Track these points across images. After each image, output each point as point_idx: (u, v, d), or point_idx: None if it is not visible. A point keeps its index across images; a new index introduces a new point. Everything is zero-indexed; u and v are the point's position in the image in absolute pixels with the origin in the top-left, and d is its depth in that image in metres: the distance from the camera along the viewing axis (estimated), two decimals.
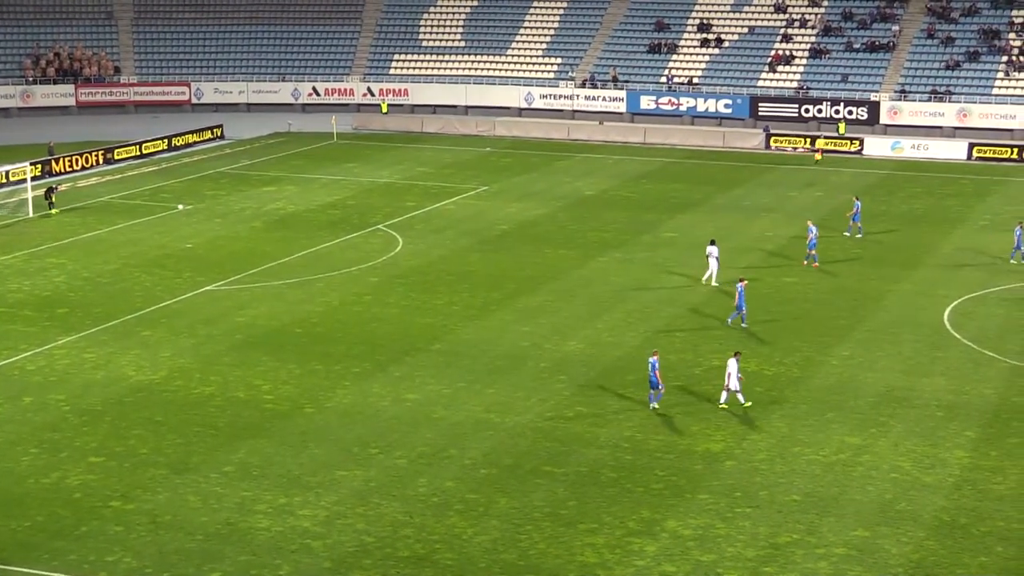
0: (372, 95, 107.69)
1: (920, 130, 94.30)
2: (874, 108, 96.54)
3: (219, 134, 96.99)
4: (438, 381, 45.64)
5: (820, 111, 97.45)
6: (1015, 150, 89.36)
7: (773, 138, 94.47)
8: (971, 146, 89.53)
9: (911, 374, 46.05)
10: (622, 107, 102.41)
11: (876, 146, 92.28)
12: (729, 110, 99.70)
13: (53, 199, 72.39)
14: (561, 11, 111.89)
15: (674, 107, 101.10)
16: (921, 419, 42.00)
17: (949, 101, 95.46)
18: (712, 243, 58.56)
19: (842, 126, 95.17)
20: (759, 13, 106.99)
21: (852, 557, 33.08)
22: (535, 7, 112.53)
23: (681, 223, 70.05)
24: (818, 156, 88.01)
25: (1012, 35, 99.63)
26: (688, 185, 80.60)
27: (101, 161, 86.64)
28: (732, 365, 42.77)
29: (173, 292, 56.75)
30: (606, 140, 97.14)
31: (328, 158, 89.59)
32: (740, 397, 42.98)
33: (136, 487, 37.17)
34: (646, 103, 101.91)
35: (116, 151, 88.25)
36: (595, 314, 53.58)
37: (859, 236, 66.05)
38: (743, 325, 51.23)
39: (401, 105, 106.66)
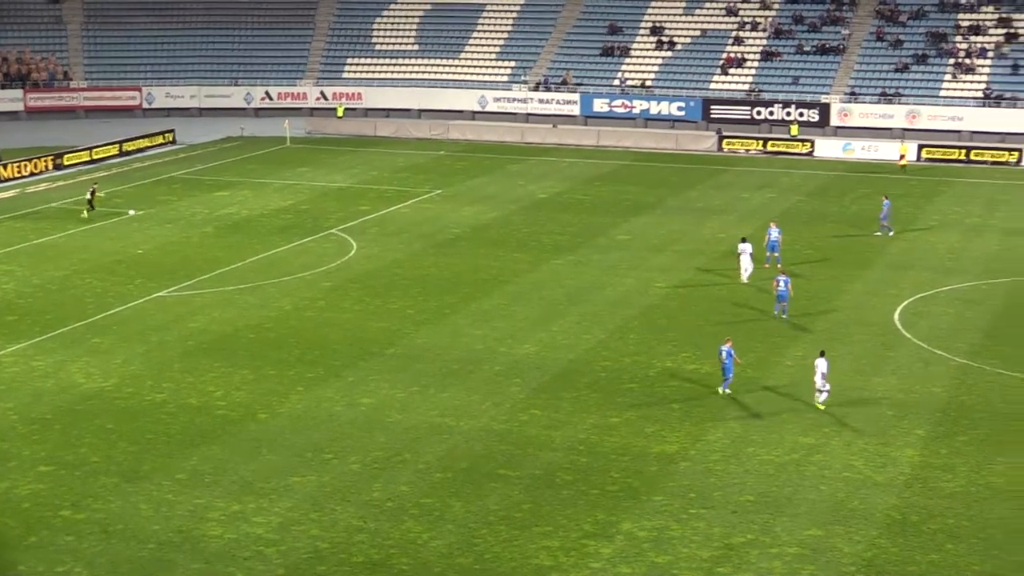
0: (325, 99, 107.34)
1: (870, 132, 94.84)
2: (825, 110, 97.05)
3: (171, 139, 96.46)
4: (392, 385, 45.47)
5: (772, 113, 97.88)
6: (963, 151, 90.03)
7: (725, 140, 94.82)
8: (920, 147, 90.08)
9: (863, 373, 46.24)
10: (575, 110, 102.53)
11: (827, 148, 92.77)
12: (682, 112, 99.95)
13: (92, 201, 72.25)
14: (514, 15, 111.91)
15: (627, 110, 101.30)
16: (873, 418, 42.17)
17: (898, 103, 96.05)
18: (744, 240, 58.80)
19: (794, 128, 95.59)
20: (711, 16, 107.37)
21: (806, 556, 33.16)
22: (488, 11, 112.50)
23: (634, 226, 70.15)
24: (903, 163, 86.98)
25: (959, 38, 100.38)
26: (641, 187, 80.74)
27: (51, 167, 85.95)
28: (821, 364, 42.65)
29: (124, 298, 56.32)
30: (560, 143, 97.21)
31: (281, 162, 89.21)
32: (821, 397, 42.85)
33: (87, 496, 36.82)
34: (599, 106, 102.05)
35: (66, 156, 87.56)
36: (549, 317, 53.55)
37: (890, 234, 66.76)
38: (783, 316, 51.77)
39: (355, 109, 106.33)
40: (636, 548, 33.65)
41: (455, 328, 52.11)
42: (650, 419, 42.27)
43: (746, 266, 57.94)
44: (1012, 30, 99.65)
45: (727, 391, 44.35)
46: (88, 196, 72.36)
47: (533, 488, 37.20)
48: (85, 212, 71.66)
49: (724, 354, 44.17)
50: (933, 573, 32.32)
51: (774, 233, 60.68)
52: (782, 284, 52.80)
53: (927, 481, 37.50)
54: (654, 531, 34.53)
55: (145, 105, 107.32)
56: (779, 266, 58.15)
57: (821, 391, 42.73)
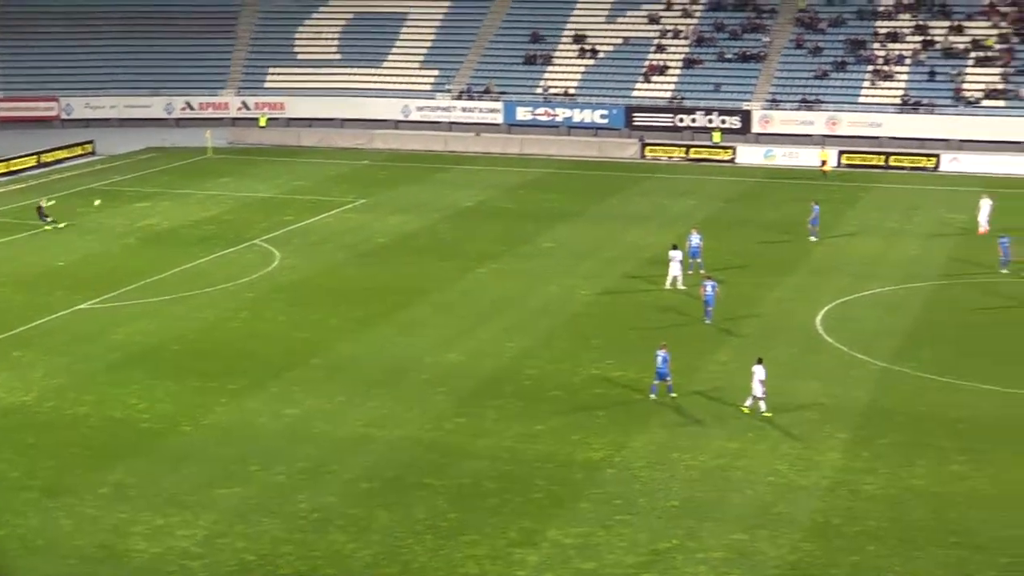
0: (248, 109, 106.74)
1: (791, 138, 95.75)
2: (746, 117, 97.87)
3: (90, 150, 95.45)
4: (318, 396, 45.32)
5: (694, 120, 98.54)
6: (882, 157, 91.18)
7: (648, 148, 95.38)
8: (840, 153, 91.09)
9: (786, 378, 46.66)
10: (499, 118, 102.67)
11: (749, 154, 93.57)
12: (605, 120, 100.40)
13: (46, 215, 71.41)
14: (437, 23, 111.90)
15: (551, 118, 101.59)
16: (796, 422, 42.59)
17: (818, 110, 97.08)
18: (674, 247, 59.02)
19: (716, 135, 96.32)
20: (633, 24, 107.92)
21: (731, 560, 33.45)
22: (411, 19, 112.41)
23: (559, 233, 70.38)
24: (825, 168, 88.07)
25: (877, 45, 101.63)
26: (565, 195, 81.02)
27: None
28: (759, 372, 42.91)
29: (46, 311, 55.70)
30: (483, 151, 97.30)
31: (203, 173, 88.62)
32: (762, 405, 43.08)
33: (6, 512, 36.36)
34: (523, 114, 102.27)
35: None
36: (474, 326, 53.61)
37: (813, 239, 67.51)
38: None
39: (277, 119, 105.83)
40: (562, 555, 33.78)
41: (380, 338, 52.03)
42: (575, 426, 42.42)
43: (675, 272, 58.33)
44: (929, 37, 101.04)
45: (654, 396, 44.68)
46: (41, 209, 71.69)
47: (459, 497, 37.23)
48: (48, 226, 70.82)
49: (660, 359, 44.44)
50: (855, 575, 32.70)
51: (695, 239, 61.14)
52: (709, 288, 53.26)
53: (850, 484, 37.94)
54: (580, 538, 34.67)
55: (63, 116, 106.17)
56: (701, 272, 58.60)
57: (760, 398, 43.05)
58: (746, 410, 43.09)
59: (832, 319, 54.17)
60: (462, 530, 35.14)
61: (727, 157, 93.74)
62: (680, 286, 57.90)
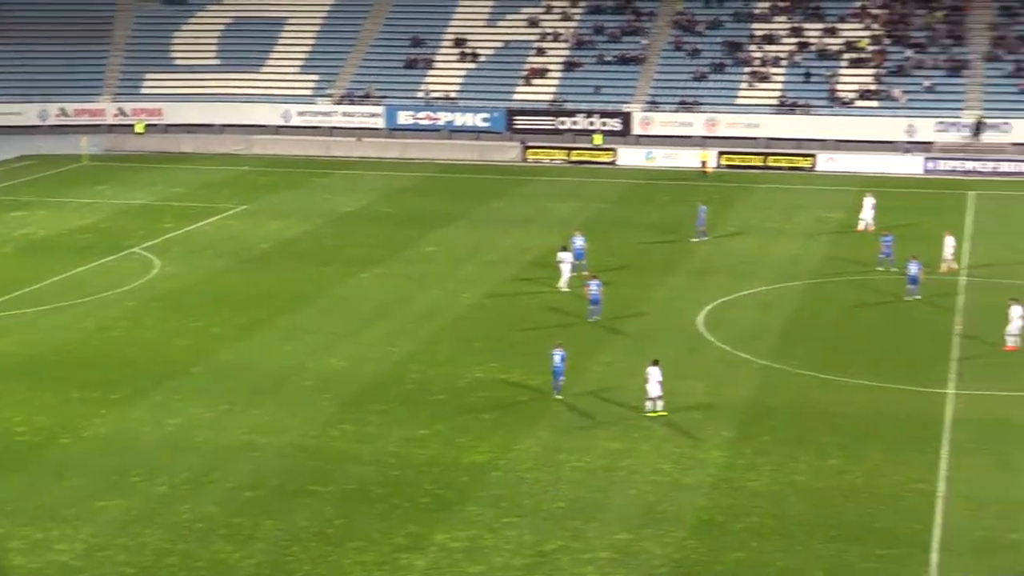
0: (124, 115, 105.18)
1: (671, 140, 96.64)
2: (627, 119, 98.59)
3: None
4: (200, 405, 44.83)
5: (575, 123, 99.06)
6: (760, 158, 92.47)
7: (530, 150, 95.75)
8: (719, 154, 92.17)
9: (669, 378, 46.75)
10: (380, 123, 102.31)
11: (630, 156, 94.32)
12: (487, 124, 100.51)
13: None
14: (316, 28, 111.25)
15: (432, 122, 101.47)
16: (680, 422, 43.00)
17: (697, 111, 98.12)
18: (564, 249, 59.20)
19: (597, 137, 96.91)
20: (513, 28, 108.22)
21: (617, 560, 33.68)
22: (290, 24, 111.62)
23: (441, 237, 70.36)
24: (706, 169, 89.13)
25: (754, 47, 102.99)
26: (447, 199, 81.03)
27: None
28: (655, 374, 43.12)
29: None
30: (365, 156, 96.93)
31: (80, 181, 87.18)
32: (659, 404, 43.27)
33: None
34: (404, 118, 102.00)
35: None
36: (358, 330, 53.42)
37: (694, 240, 68.17)
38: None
39: (155, 125, 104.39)
40: (449, 559, 33.78)
41: (263, 344, 51.63)
42: (461, 430, 42.44)
43: (566, 274, 58.63)
44: (804, 39, 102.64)
45: (558, 396, 44.95)
46: None
47: (345, 503, 37.06)
48: None
49: (557, 358, 44.76)
50: (739, 571, 33.14)
51: (579, 242, 61.50)
52: (594, 288, 53.67)
53: (733, 481, 38.40)
54: (467, 541, 34.69)
55: None
56: (585, 273, 58.96)
57: (656, 399, 43.37)
58: (651, 413, 43.30)
59: (714, 319, 54.79)
60: (348, 537, 34.98)
61: (608, 159, 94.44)
62: (565, 288, 58.20)
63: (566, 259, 58.94)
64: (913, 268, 56.96)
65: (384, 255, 66.17)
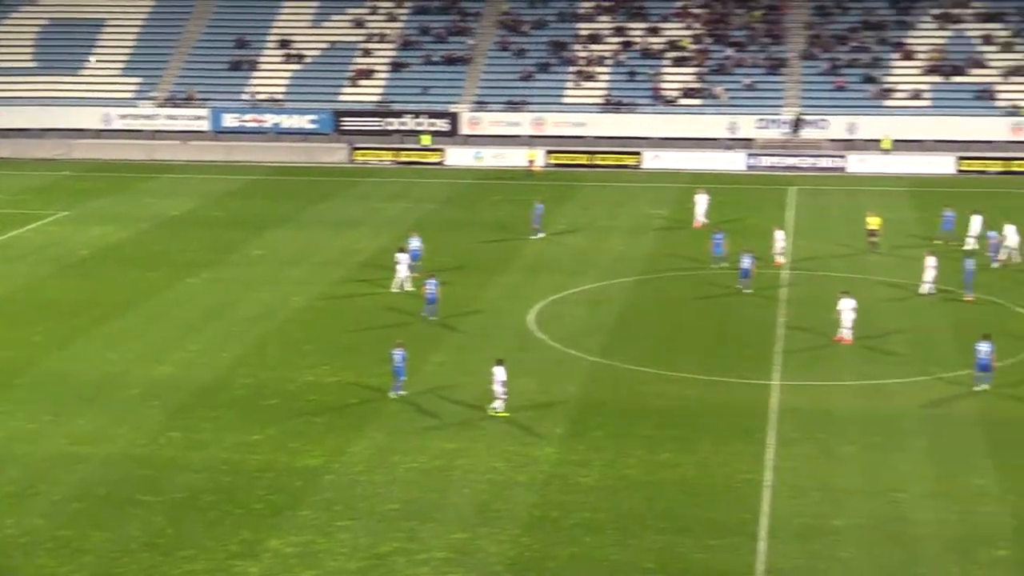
0: None
1: (499, 139, 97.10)
2: (454, 119, 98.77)
3: None
4: (22, 416, 43.67)
5: (403, 124, 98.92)
6: (587, 156, 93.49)
7: (358, 152, 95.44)
8: (547, 153, 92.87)
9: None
10: (206, 125, 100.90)
11: (458, 156, 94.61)
12: (314, 125, 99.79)
13: None
14: (137, 29, 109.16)
15: (258, 124, 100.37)
16: (513, 420, 43.19)
17: (525, 111, 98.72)
18: (401, 250, 59.17)
19: (425, 138, 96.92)
20: (338, 29, 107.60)
21: (453, 560, 33.72)
22: (110, 25, 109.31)
23: (269, 240, 69.69)
24: (534, 168, 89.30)
25: (579, 47, 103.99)
26: (275, 202, 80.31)
27: None
28: (500, 373, 43.10)
29: None
30: (190, 159, 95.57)
31: None
32: (500, 404, 43.33)
33: None
34: (230, 121, 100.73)
35: None
36: (186, 336, 52.62)
37: (539, 236, 68.76)
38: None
39: None
40: (283, 565, 33.47)
41: (88, 352, 50.55)
42: (293, 434, 42.08)
43: (402, 275, 58.53)
44: (628, 38, 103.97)
45: (399, 394, 45.05)
46: None
47: (175, 512, 36.46)
48: None
49: (398, 357, 44.73)
50: (573, 566, 33.42)
51: (415, 243, 61.48)
52: (431, 287, 53.68)
53: (566, 477, 38.72)
54: (301, 546, 34.41)
55: None
56: (415, 275, 58.86)
57: (500, 399, 43.47)
58: (494, 413, 43.44)
59: (544, 317, 55.20)
60: (179, 546, 34.41)
61: (437, 159, 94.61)
62: (408, 287, 58.11)
63: (403, 260, 58.85)
64: (746, 262, 58.13)
65: (212, 259, 65.28)
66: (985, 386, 45.40)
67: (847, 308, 51.05)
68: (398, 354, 45.08)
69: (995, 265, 62.23)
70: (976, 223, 65.88)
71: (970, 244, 65.40)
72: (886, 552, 33.84)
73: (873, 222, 66.02)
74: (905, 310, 55.95)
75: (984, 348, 45.26)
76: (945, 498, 36.98)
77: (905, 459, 39.88)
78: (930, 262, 57.42)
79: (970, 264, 57.61)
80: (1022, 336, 51.42)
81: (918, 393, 45.69)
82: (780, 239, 63.33)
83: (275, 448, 40.97)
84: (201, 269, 63.24)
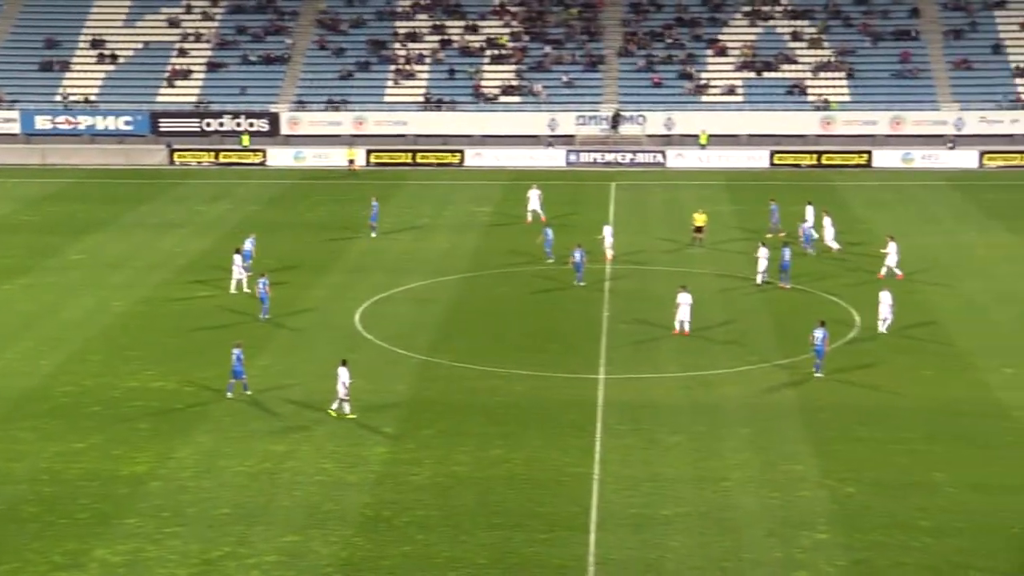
0: None
1: (320, 139, 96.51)
2: (274, 119, 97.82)
3: None
4: None
5: (222, 124, 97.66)
6: (409, 155, 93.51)
7: (177, 153, 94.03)
8: (368, 152, 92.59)
9: (329, 377, 46.88)
10: (16, 128, 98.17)
11: (279, 157, 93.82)
12: (130, 127, 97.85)
13: None
14: None
15: (72, 126, 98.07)
16: (341, 421, 42.99)
17: (345, 110, 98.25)
18: (237, 251, 58.72)
19: (245, 139, 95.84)
20: (152, 29, 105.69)
21: (284, 563, 33.45)
22: None
23: (88, 244, 68.25)
24: (354, 167, 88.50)
25: (398, 45, 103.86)
26: (93, 205, 78.63)
27: None
28: (343, 375, 42.79)
29: None
30: (2, 163, 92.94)
31: None
32: (346, 407, 42.96)
33: None
34: (42, 123, 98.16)
35: None
36: (3, 344, 51.24)
37: (373, 236, 69.12)
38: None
39: None
40: (111, 574, 32.83)
41: None
42: (117, 441, 41.28)
43: (238, 276, 58.05)
44: (446, 37, 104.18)
45: (230, 394, 44.88)
46: None
47: None
48: None
49: (235, 357, 44.59)
50: (406, 564, 33.42)
51: (248, 244, 61.07)
52: (261, 286, 53.71)
53: (397, 477, 38.69)
54: (128, 555, 33.79)
55: None
56: (249, 275, 58.45)
57: (344, 400, 43.25)
58: (333, 414, 43.17)
59: (370, 316, 55.04)
60: (0, 559, 33.49)
61: (258, 160, 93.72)
62: (245, 289, 57.61)
63: (238, 262, 58.26)
64: (577, 256, 58.84)
65: (29, 265, 63.67)
66: (820, 374, 46.81)
67: (684, 302, 52.05)
68: (236, 353, 44.69)
69: (810, 252, 63.99)
70: (810, 213, 67.61)
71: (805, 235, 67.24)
72: (714, 539, 34.54)
73: (699, 219, 67.08)
74: (725, 301, 57.10)
75: (819, 335, 46.63)
76: (768, 485, 37.87)
77: (729, 448, 40.74)
78: (762, 253, 59.09)
79: (787, 254, 59.10)
80: (837, 324, 52.84)
81: (740, 382, 46.71)
82: (608, 234, 64.23)
83: (99, 456, 40.16)
84: (18, 275, 61.63)
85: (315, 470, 39.12)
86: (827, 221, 65.85)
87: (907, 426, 42.28)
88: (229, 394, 44.98)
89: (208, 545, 34.36)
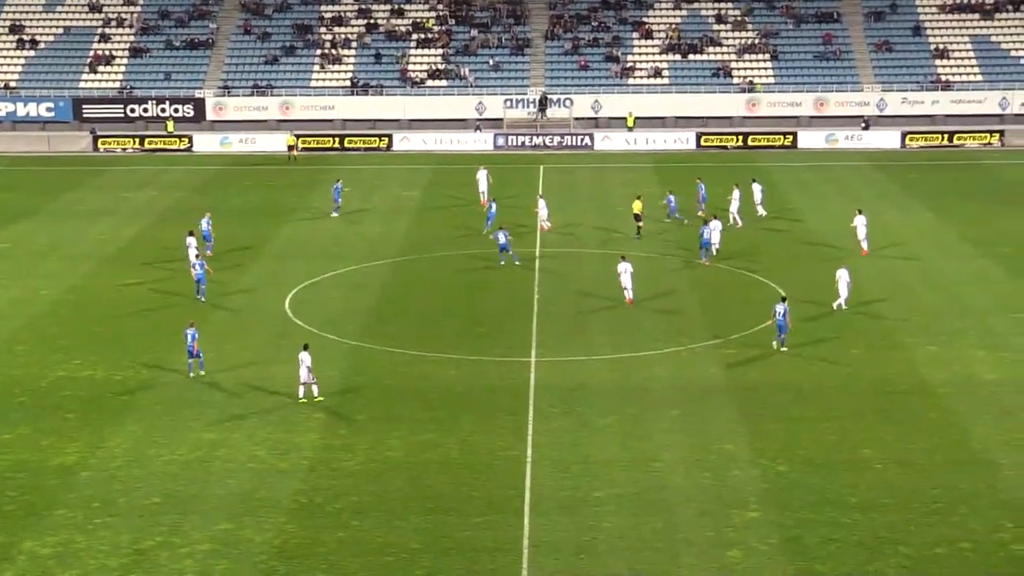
0: None
1: (247, 124, 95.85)
2: (200, 105, 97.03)
3: None
4: None
5: (147, 110, 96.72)
6: (337, 139, 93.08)
7: (101, 140, 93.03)
8: (297, 137, 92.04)
9: (260, 364, 46.75)
10: None
11: (205, 142, 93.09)
12: (52, 113, 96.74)
13: None
14: None
15: None
16: (273, 407, 42.73)
17: (271, 95, 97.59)
18: (190, 233, 58.80)
19: (170, 124, 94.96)
20: (73, 13, 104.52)
21: (217, 551, 33.21)
22: None
23: (13, 233, 67.39)
24: (294, 153, 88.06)
25: (324, 29, 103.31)
26: (16, 194, 77.62)
27: None
28: (306, 358, 42.86)
29: None
30: None
31: None
32: (314, 389, 42.94)
33: None
34: None
35: None
36: None
37: (335, 215, 69.83)
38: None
39: None
40: (40, 567, 32.43)
41: None
42: (45, 431, 40.78)
43: (194, 260, 57.62)
44: (372, 20, 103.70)
45: (192, 375, 45.28)
46: None
47: None
48: None
49: (189, 337, 44.71)
50: (341, 550, 33.27)
51: (204, 224, 61.55)
52: (198, 268, 54.08)
53: (329, 463, 38.50)
54: (58, 547, 33.39)
55: None
56: (208, 253, 58.26)
57: (311, 383, 43.12)
58: (303, 400, 42.93)
59: (300, 302, 54.73)
60: None
61: (183, 146, 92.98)
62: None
63: (192, 244, 58.38)
64: (502, 238, 58.93)
65: None
66: (783, 348, 47.47)
67: (625, 272, 53.04)
68: (189, 333, 44.95)
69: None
70: (757, 192, 68.21)
71: (760, 212, 67.98)
72: (646, 520, 34.66)
73: (637, 206, 65.66)
74: (654, 282, 57.24)
75: (780, 309, 47.04)
76: (699, 465, 38.06)
77: (660, 428, 40.89)
78: (716, 225, 60.83)
79: (706, 232, 59.73)
80: (763, 304, 53.21)
81: (671, 363, 46.88)
82: (543, 206, 65.21)
83: (27, 447, 39.65)
84: None
85: (247, 458, 38.85)
86: (756, 187, 67.20)
87: (836, 404, 42.66)
88: (191, 374, 45.15)
89: (140, 535, 34.04)
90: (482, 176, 72.99)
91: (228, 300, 54.93)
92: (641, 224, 65.69)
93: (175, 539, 33.83)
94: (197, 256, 55.43)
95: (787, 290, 53.99)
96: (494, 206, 65.24)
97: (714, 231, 59.90)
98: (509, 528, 34.32)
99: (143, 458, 38.83)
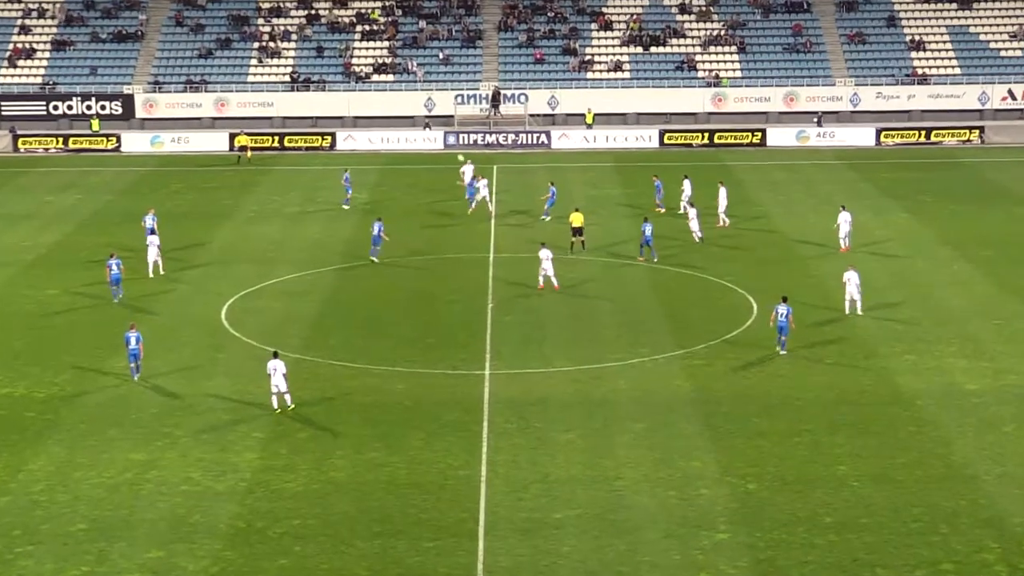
0: None
1: (179, 122, 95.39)
2: (129, 102, 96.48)
3: None
4: None
5: (71, 107, 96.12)
6: (276, 138, 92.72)
7: (21, 140, 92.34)
8: (231, 136, 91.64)
9: (193, 378, 46.40)
10: None
11: (135, 142, 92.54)
12: None
13: None
14: None
15: None
16: (208, 425, 42.40)
17: (206, 91, 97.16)
18: (152, 232, 59.90)
19: (95, 123, 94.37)
20: None
21: None
22: None
23: None
24: (248, 155, 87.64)
25: (261, 21, 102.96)
26: None
27: None
28: (280, 366, 42.96)
29: None
30: None
31: None
32: (287, 399, 43.09)
33: None
34: None
35: None
36: None
37: (345, 206, 71.18)
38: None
39: None
40: None
41: None
42: None
43: (153, 258, 58.96)
44: (314, 11, 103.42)
45: (135, 379, 45.80)
46: None
47: None
48: None
49: (133, 340, 45.25)
50: None
51: (149, 220, 62.14)
52: (114, 268, 54.61)
53: (269, 484, 38.20)
54: None
55: None
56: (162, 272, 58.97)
57: (284, 394, 43.12)
58: (278, 411, 42.75)
59: (237, 311, 54.41)
60: None
61: (111, 146, 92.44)
62: (162, 272, 58.87)
63: (154, 243, 59.18)
64: (375, 228, 60.79)
65: None
66: (784, 351, 48.02)
67: (546, 259, 55.63)
68: (133, 336, 45.19)
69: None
70: (722, 195, 68.49)
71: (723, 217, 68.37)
72: (608, 542, 34.56)
73: (577, 219, 63.11)
74: (614, 289, 57.26)
75: (782, 311, 47.18)
76: (664, 483, 38.00)
77: (623, 444, 40.81)
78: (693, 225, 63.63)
79: (648, 229, 60.29)
80: (730, 310, 53.27)
81: (632, 375, 46.83)
82: (484, 186, 70.12)
83: None
84: None
85: (180, 479, 38.50)
86: (722, 192, 67.32)
87: (808, 417, 42.72)
88: (135, 377, 45.70)
89: (64, 564, 33.66)
90: (468, 170, 73.60)
91: (160, 309, 54.53)
92: (583, 239, 63.06)
93: (102, 568, 33.48)
94: (112, 255, 55.30)
95: (756, 296, 54.08)
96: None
97: (644, 230, 60.64)
98: (462, 553, 34.15)
99: (67, 481, 38.41)
